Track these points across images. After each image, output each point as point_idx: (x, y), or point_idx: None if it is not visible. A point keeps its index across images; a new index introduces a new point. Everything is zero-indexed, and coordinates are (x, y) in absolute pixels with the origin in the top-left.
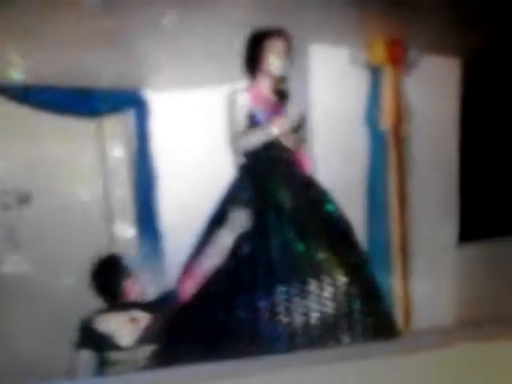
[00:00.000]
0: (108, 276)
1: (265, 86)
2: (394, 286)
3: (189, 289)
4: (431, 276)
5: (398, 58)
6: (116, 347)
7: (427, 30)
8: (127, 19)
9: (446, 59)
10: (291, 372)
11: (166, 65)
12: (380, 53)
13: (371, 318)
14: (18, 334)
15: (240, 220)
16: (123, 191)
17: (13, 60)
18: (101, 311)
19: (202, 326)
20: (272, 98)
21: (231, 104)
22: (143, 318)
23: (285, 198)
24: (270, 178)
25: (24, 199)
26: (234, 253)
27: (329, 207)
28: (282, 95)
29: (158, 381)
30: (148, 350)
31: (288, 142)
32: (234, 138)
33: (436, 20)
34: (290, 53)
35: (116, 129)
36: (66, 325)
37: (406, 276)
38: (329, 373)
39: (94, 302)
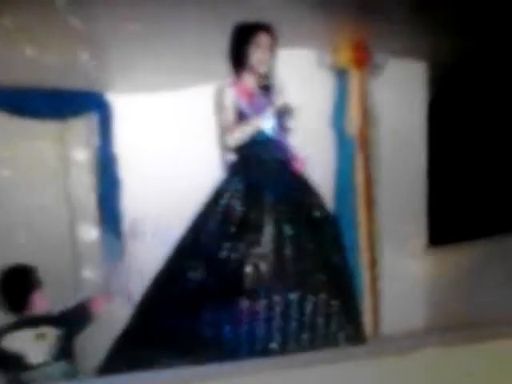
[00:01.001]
0: (14, 288)
1: (250, 80)
2: (362, 290)
3: (100, 303)
4: (400, 280)
5: (364, 60)
6: (27, 366)
7: (394, 34)
8: (94, 21)
9: (412, 63)
10: (260, 376)
11: (131, 67)
12: (345, 56)
13: (346, 322)
14: None
15: None
16: (86, 193)
17: None
18: (5, 328)
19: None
20: (257, 91)
21: (219, 100)
22: (51, 333)
23: (275, 199)
24: (261, 178)
25: None
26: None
27: (317, 213)
28: (266, 89)
29: None
30: (62, 365)
31: (276, 134)
32: (224, 133)
33: (403, 24)
34: (275, 47)
35: (79, 131)
36: None
37: (374, 280)
38: (297, 377)
39: None
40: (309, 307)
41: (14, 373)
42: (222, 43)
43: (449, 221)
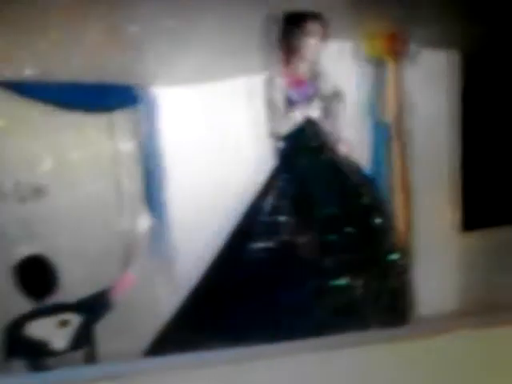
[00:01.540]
0: (35, 276)
1: (299, 68)
2: None
3: (119, 290)
4: (434, 264)
5: (398, 50)
6: (50, 353)
7: (427, 24)
8: (137, 15)
9: (445, 52)
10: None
11: (175, 61)
12: (380, 46)
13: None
14: None
15: None
16: (133, 184)
17: (24, 57)
18: (29, 315)
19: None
20: (306, 79)
21: (267, 89)
22: (74, 320)
23: (325, 182)
24: (310, 163)
25: (38, 192)
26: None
27: (366, 198)
28: (315, 76)
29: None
30: (82, 352)
31: (324, 122)
32: (273, 122)
33: (435, 13)
34: (325, 36)
35: (126, 123)
36: None
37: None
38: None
39: None
40: (354, 290)
41: (37, 359)
42: (262, 34)
43: (482, 206)
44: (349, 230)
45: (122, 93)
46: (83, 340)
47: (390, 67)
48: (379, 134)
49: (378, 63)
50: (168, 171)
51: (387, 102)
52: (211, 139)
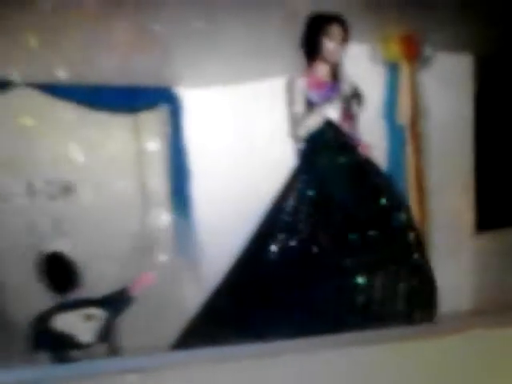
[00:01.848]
0: (58, 272)
1: (321, 70)
2: None
3: (138, 287)
4: (449, 265)
5: (413, 54)
6: (76, 346)
7: (441, 28)
8: (162, 19)
9: (459, 55)
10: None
11: (199, 62)
12: (396, 49)
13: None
14: None
15: None
16: (159, 183)
17: (56, 60)
18: (54, 310)
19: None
20: (327, 81)
21: (289, 90)
22: (98, 314)
23: (344, 184)
24: (330, 163)
25: (67, 189)
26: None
27: (383, 200)
28: (336, 78)
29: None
30: (106, 346)
31: (344, 123)
32: (293, 123)
33: (449, 17)
34: (346, 39)
35: (152, 123)
36: None
37: None
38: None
39: None
40: (375, 289)
41: (63, 352)
42: (286, 36)
43: (496, 207)
44: (369, 229)
45: (148, 94)
46: (107, 334)
47: (406, 70)
48: (395, 137)
49: (393, 66)
50: (193, 171)
51: (402, 104)
52: (235, 140)
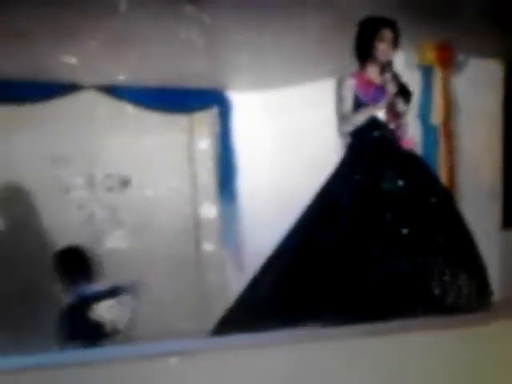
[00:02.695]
0: (80, 263)
1: (372, 71)
2: None
3: None
4: None
5: (447, 59)
6: (111, 333)
7: (473, 35)
8: (217, 30)
9: (489, 61)
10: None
11: (248, 67)
12: (430, 55)
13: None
14: None
15: None
16: (208, 177)
17: (117, 64)
18: (88, 298)
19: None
20: (377, 81)
21: (338, 90)
22: (128, 302)
23: (393, 177)
24: (376, 156)
25: (125, 183)
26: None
27: (433, 197)
28: (386, 78)
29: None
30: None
31: (390, 120)
32: (342, 120)
33: (481, 25)
34: (397, 42)
35: (203, 123)
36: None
37: None
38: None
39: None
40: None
41: (97, 339)
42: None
43: None
44: (418, 220)
45: (201, 96)
46: (134, 320)
47: (439, 74)
48: (428, 136)
49: (427, 71)
50: (241, 168)
51: (436, 106)
52: (282, 139)
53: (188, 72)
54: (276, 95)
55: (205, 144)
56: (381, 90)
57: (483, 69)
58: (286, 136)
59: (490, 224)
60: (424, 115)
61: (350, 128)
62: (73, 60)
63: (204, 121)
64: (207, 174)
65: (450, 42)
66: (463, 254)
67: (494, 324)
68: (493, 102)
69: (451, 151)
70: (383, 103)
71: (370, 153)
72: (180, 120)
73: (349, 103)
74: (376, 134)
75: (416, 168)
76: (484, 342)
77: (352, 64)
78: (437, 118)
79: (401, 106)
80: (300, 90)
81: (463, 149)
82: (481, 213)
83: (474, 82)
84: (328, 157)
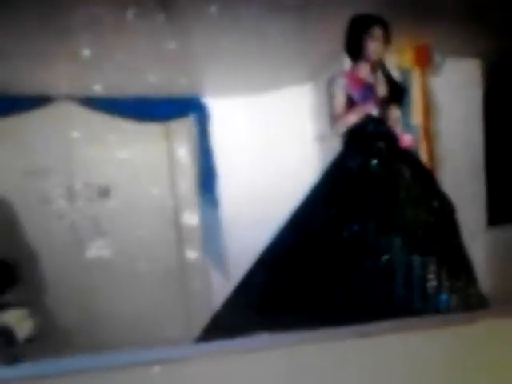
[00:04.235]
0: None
1: (363, 69)
2: None
3: None
4: None
5: (425, 60)
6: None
7: (451, 36)
8: (190, 38)
9: (467, 61)
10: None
11: (224, 74)
12: (409, 56)
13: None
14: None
15: None
16: (188, 185)
17: (92, 75)
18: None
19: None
20: (369, 79)
21: (329, 89)
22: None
23: (389, 171)
24: (373, 150)
25: (104, 192)
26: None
27: (434, 202)
28: (378, 76)
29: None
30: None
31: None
32: (333, 120)
33: (458, 25)
34: (388, 39)
35: (182, 131)
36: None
37: None
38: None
39: None
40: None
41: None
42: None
43: (506, 203)
44: (415, 217)
45: (178, 104)
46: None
47: (417, 76)
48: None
49: (406, 72)
50: (220, 174)
51: (415, 107)
52: (260, 144)
53: (164, 80)
54: (253, 100)
55: (184, 151)
56: (373, 88)
57: (462, 69)
58: (265, 141)
59: (474, 224)
60: (404, 116)
61: (342, 129)
62: (46, 72)
63: (182, 128)
64: (187, 182)
65: (427, 43)
66: (454, 255)
67: (482, 322)
68: (472, 102)
69: (432, 151)
70: (376, 101)
71: (365, 149)
72: (158, 128)
73: (341, 102)
74: (373, 133)
75: (416, 166)
76: (472, 340)
77: (328, 69)
78: (417, 118)
79: (394, 107)
80: (277, 95)
81: (444, 149)
82: (464, 212)
83: (453, 83)
84: (308, 161)
